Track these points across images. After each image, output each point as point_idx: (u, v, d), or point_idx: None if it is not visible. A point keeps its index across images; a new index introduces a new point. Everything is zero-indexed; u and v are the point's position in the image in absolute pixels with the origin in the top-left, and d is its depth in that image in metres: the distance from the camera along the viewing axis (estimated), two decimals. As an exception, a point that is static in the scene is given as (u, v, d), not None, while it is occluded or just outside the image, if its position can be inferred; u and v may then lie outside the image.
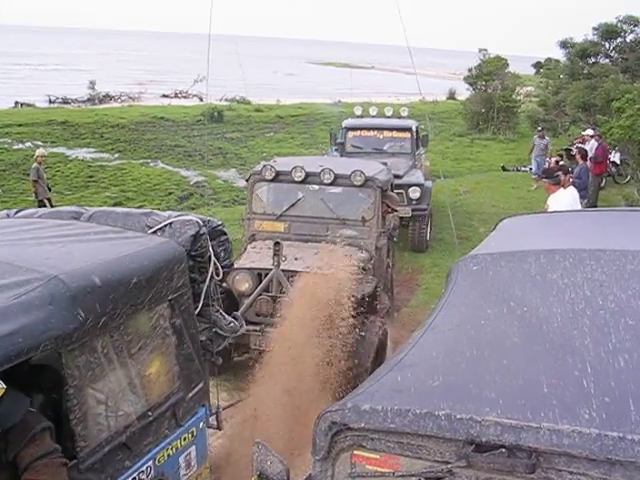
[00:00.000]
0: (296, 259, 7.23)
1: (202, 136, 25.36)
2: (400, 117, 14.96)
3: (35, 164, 13.55)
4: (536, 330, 2.40)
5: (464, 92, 33.02)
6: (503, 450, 1.89)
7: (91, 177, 19.29)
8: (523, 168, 22.02)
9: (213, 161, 22.26)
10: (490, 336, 2.43)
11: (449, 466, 1.95)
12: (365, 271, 7.37)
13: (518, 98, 29.50)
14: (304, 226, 7.93)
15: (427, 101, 35.55)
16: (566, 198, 8.56)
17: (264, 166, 8.15)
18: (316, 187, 8.09)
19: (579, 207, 8.93)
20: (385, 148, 13.65)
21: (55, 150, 21.92)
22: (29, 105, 31.55)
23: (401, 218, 9.92)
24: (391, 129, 13.89)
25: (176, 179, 19.33)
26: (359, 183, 7.88)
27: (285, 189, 8.25)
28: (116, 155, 22.50)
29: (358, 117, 15.47)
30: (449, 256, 11.49)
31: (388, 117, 14.97)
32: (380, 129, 13.93)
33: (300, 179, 7.96)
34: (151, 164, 21.40)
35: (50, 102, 33.57)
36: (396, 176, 10.48)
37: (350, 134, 13.99)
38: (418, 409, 1.98)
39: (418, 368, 2.27)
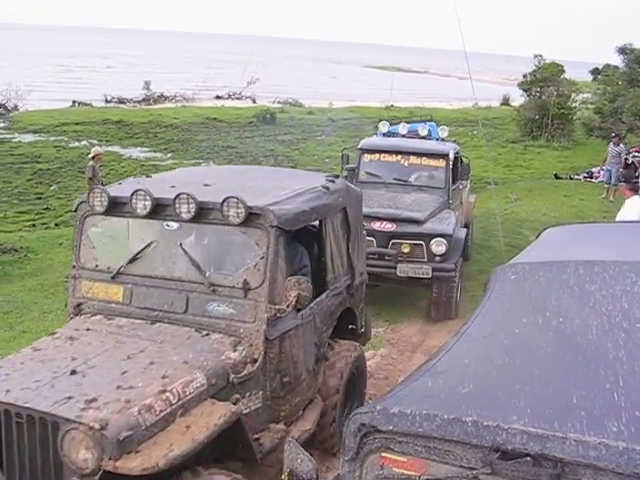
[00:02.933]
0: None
1: (254, 138, 25.60)
2: (438, 139, 12.19)
3: (91, 162, 13.82)
4: (570, 341, 2.40)
5: (518, 98, 32.63)
6: (528, 459, 1.90)
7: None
8: (576, 176, 21.68)
9: (264, 163, 22.44)
10: (523, 345, 2.44)
11: (474, 472, 1.97)
12: (236, 386, 4.45)
13: (574, 105, 29.03)
14: (152, 294, 4.88)
15: (481, 107, 35.30)
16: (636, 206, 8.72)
17: (93, 191, 5.12)
18: (174, 225, 5.00)
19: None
20: (411, 180, 10.74)
21: (110, 149, 22.40)
22: (86, 104, 32.28)
23: (418, 279, 9.10)
24: (420, 154, 10.81)
25: (227, 180, 19.54)
26: (237, 219, 4.65)
27: (124, 228, 5.32)
28: (169, 155, 22.88)
29: (385, 135, 12.66)
30: (497, 264, 11.39)
31: (422, 137, 12.01)
32: (406, 154, 10.86)
33: (145, 212, 4.87)
34: (203, 164, 21.69)
35: (106, 101, 34.31)
36: (414, 221, 9.19)
37: (366, 158, 11.02)
38: (446, 414, 2.01)
39: (449, 374, 2.30)
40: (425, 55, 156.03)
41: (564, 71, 29.09)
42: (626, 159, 18.87)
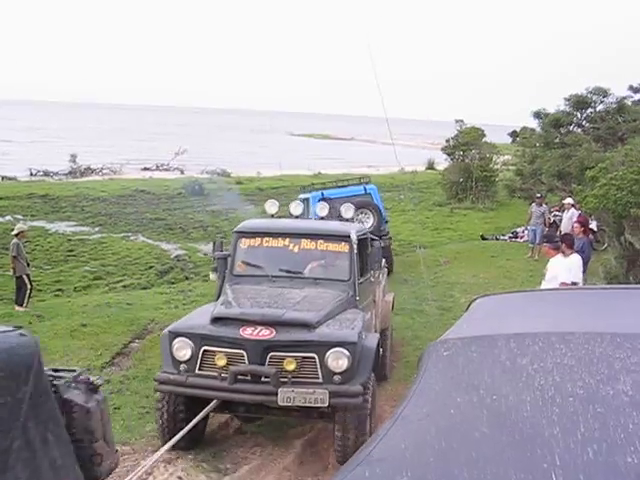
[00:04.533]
0: None
1: (183, 209, 25.49)
2: (340, 218, 9.70)
3: (15, 239, 13.48)
4: (505, 419, 2.38)
5: (443, 162, 33.57)
6: None
7: (71, 251, 19.25)
8: (502, 237, 22.24)
9: (194, 234, 22.32)
10: (459, 426, 2.40)
11: None
12: None
13: (495, 167, 30.03)
14: None
15: (407, 171, 36.12)
16: (575, 263, 8.95)
17: None
18: None
19: (581, 275, 9.27)
20: (305, 271, 8.30)
21: (35, 224, 21.95)
22: (10, 178, 31.70)
23: (311, 408, 6.73)
24: (314, 236, 8.41)
25: (156, 252, 19.33)
26: None
27: None
28: (96, 229, 22.54)
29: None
30: (430, 328, 11.48)
31: (322, 218, 9.77)
32: (296, 236, 8.44)
33: None
34: (132, 237, 21.42)
35: (31, 175, 33.76)
36: (302, 324, 6.84)
37: (243, 243, 8.51)
38: (385, 509, 1.94)
39: (386, 463, 2.23)
40: (351, 122, 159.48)
41: (484, 135, 30.19)
42: (548, 219, 19.51)
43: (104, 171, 36.04)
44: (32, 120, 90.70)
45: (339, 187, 17.48)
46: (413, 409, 2.61)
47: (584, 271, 10.57)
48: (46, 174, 34.13)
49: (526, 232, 20.48)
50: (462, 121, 31.08)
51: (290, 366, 6.59)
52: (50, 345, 10.79)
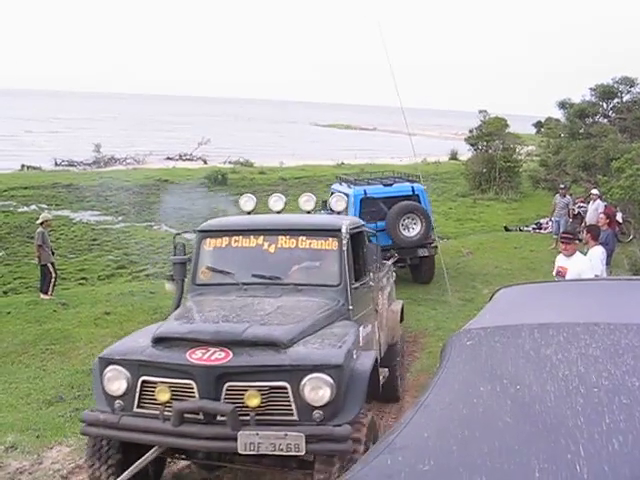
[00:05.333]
0: None
1: (206, 198, 25.59)
2: (331, 211, 8.50)
3: (40, 228, 13.63)
4: (529, 409, 2.37)
5: (466, 152, 33.37)
6: (493, 539, 1.84)
7: (95, 240, 19.42)
8: (525, 228, 22.08)
9: (217, 223, 22.38)
10: (482, 416, 2.39)
11: None
12: None
13: (519, 158, 29.78)
14: None
15: (430, 162, 35.96)
16: (595, 256, 8.69)
17: None
18: None
19: (603, 267, 9.01)
20: (283, 276, 6.69)
21: (59, 213, 22.16)
22: (35, 168, 31.99)
23: (283, 457, 5.16)
24: (296, 232, 6.84)
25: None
26: None
27: None
28: (120, 218, 22.70)
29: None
30: (453, 319, 11.45)
31: (308, 212, 8.06)
32: (272, 233, 6.87)
33: None
34: (155, 227, 21.54)
35: (56, 165, 34.03)
36: (268, 343, 5.27)
37: (208, 244, 6.95)
38: (407, 496, 1.94)
39: (409, 451, 2.24)
40: (373, 113, 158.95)
41: (508, 125, 29.91)
42: (572, 210, 19.34)
43: (128, 161, 36.24)
44: (49, 110, 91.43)
45: (384, 185, 14.83)
46: (436, 398, 2.61)
47: (608, 263, 10.42)
48: (70, 164, 34.38)
49: (550, 223, 20.31)
50: (486, 111, 30.83)
51: (253, 400, 4.96)
52: (74, 333, 10.92)
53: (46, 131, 57.25)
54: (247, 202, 7.80)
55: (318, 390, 5.00)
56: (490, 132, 29.55)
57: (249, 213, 7.76)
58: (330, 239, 6.73)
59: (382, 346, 7.74)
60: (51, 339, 10.70)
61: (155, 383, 5.20)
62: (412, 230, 14.03)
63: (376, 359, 5.92)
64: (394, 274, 9.83)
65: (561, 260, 8.60)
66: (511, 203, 27.27)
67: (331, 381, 5.01)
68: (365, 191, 14.17)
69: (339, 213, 8.09)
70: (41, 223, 13.78)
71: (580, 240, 9.30)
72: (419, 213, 14.23)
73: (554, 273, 8.84)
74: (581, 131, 24.29)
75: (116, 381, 5.31)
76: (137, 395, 5.29)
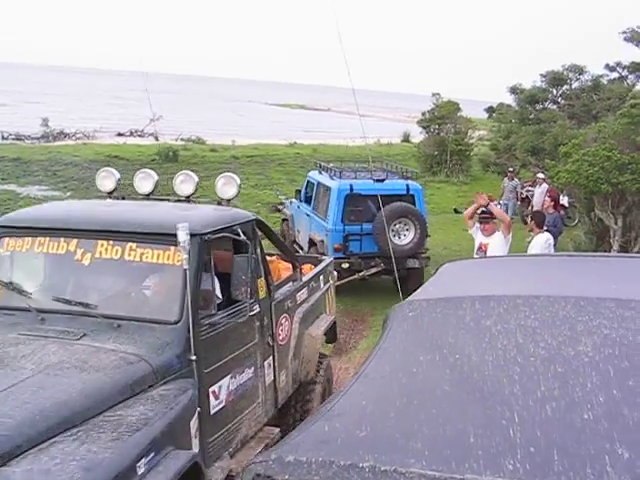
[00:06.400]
0: None
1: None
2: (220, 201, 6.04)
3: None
4: (467, 378, 2.40)
5: (418, 135, 33.54)
6: (427, 503, 1.86)
7: (41, 215, 18.99)
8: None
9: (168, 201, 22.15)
10: (421, 385, 2.42)
11: (373, 520, 1.91)
12: None
13: (471, 142, 30.08)
14: None
15: (382, 144, 36.06)
16: (539, 243, 8.90)
17: None
18: None
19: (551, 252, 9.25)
20: (99, 305, 4.58)
21: (5, 187, 21.62)
22: (-20, 142, 31.15)
23: None
24: (125, 234, 4.74)
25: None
26: None
27: None
28: (68, 193, 22.26)
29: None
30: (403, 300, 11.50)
31: (187, 199, 6.22)
32: (89, 235, 4.81)
33: None
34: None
35: (2, 138, 33.15)
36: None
37: (5, 247, 4.94)
38: (342, 460, 1.95)
39: (346, 417, 2.24)
40: (328, 93, 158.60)
41: (460, 109, 30.15)
42: (520, 193, 19.64)
43: (77, 136, 35.45)
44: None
45: (375, 180, 12.49)
46: (376, 367, 2.63)
47: (555, 245, 10.64)
48: (18, 138, 33.50)
49: (499, 206, 20.58)
50: (439, 94, 31.01)
51: None
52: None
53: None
54: (105, 178, 6.13)
55: None
56: (442, 115, 29.75)
57: (110, 194, 6.13)
58: (168, 249, 4.58)
59: (281, 393, 5.82)
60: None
61: None
62: (403, 237, 12.06)
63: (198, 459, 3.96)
64: (329, 284, 7.56)
65: (481, 238, 8.94)
66: (461, 186, 27.53)
67: None
68: (351, 186, 12.09)
69: (229, 202, 5.87)
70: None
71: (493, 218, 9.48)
72: (414, 217, 12.10)
73: (475, 250, 9.11)
74: (531, 117, 24.65)
75: None
76: None
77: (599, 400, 2.13)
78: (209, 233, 4.76)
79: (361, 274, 11.97)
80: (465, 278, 3.76)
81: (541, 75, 25.16)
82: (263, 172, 27.49)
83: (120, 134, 37.85)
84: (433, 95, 30.97)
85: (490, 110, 42.56)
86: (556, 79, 24.69)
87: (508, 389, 2.28)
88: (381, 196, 10.73)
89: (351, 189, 11.98)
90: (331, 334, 7.44)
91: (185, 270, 4.33)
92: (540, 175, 17.93)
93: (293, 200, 15.08)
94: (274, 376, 5.64)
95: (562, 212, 17.75)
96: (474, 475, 1.85)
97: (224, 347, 4.80)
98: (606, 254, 9.75)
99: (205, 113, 61.11)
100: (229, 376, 4.82)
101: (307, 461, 1.98)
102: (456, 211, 22.38)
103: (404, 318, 2.98)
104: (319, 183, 13.07)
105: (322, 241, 12.16)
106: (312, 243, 12.63)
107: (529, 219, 9.72)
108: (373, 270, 10.68)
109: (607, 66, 26.23)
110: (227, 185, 5.92)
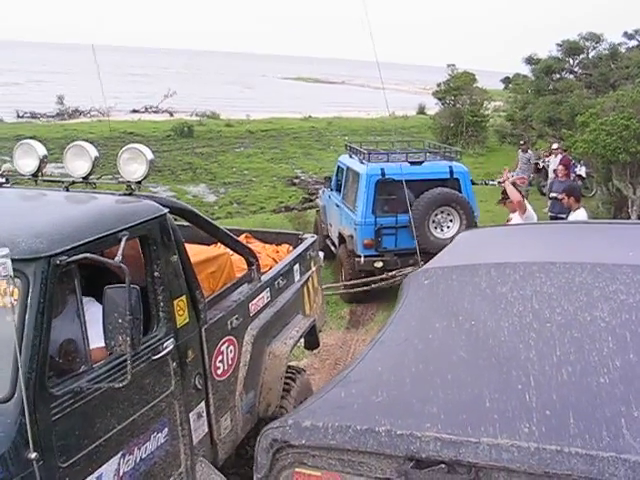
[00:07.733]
0: None
1: (172, 151, 25.30)
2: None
3: (2, 180, 13.38)
4: (482, 344, 2.40)
5: (434, 107, 33.26)
6: (443, 466, 1.87)
7: (58, 193, 19.11)
8: (491, 182, 22.19)
9: (182, 176, 22.19)
10: (437, 350, 2.42)
11: (389, 483, 1.93)
12: None
13: (486, 113, 29.80)
14: None
15: (397, 116, 35.82)
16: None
17: None
18: None
19: None
20: None
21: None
22: (-4, 120, 31.27)
23: None
24: None
25: (144, 194, 19.22)
26: None
27: None
28: (85, 170, 22.34)
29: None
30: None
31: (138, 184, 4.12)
32: None
33: None
34: (120, 179, 21.26)
35: (18, 117, 33.27)
36: None
37: None
38: (359, 425, 1.96)
39: (362, 384, 2.26)
40: (341, 66, 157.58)
41: (476, 80, 29.85)
42: (537, 164, 19.45)
43: (92, 113, 35.51)
44: (13, 62, 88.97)
45: (411, 163, 10.66)
46: (392, 334, 2.63)
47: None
48: (33, 116, 33.63)
49: (514, 176, 20.44)
50: (454, 65, 30.71)
51: None
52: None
53: (4, 82, 55.77)
54: (23, 155, 4.35)
55: None
56: (458, 86, 29.46)
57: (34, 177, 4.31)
58: None
59: (223, 445, 4.26)
60: None
61: None
62: (446, 230, 10.29)
63: None
64: (310, 272, 5.99)
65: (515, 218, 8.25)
66: (477, 157, 27.32)
67: None
68: (383, 170, 10.20)
69: (139, 184, 4.09)
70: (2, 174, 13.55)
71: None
72: (458, 206, 10.42)
73: None
74: (548, 87, 24.34)
75: None
76: None
77: (615, 364, 2.13)
78: (67, 252, 3.08)
79: (391, 274, 9.94)
80: (481, 246, 3.74)
81: (557, 45, 24.82)
82: (278, 146, 27.42)
83: (135, 110, 37.84)
84: (448, 66, 30.67)
85: (506, 81, 42.07)
86: (573, 48, 24.34)
87: (524, 354, 2.29)
88: (419, 181, 9.69)
89: (383, 174, 10.10)
90: (311, 339, 5.79)
91: (17, 316, 2.79)
92: (554, 145, 17.75)
93: (325, 189, 12.95)
94: (209, 427, 4.14)
95: (580, 182, 17.66)
96: (490, 438, 1.86)
97: (104, 418, 3.24)
98: (622, 221, 9.63)
99: (219, 88, 60.91)
100: (117, 457, 3.30)
101: (324, 426, 2.00)
102: (473, 182, 22.21)
103: (420, 286, 2.98)
104: (348, 168, 11.20)
105: (351, 236, 10.31)
106: (342, 239, 10.76)
107: (566, 197, 8.50)
108: (409, 270, 8.15)
109: (625, 34, 25.83)
110: (132, 161, 4.08)
